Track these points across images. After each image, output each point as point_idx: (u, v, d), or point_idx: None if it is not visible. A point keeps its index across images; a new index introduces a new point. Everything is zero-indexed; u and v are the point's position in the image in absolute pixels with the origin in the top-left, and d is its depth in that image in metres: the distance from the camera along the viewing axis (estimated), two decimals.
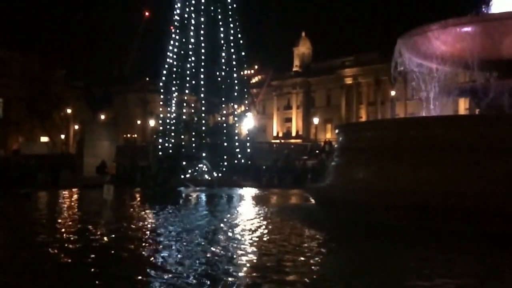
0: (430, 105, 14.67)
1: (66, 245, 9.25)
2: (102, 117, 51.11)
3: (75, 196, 23.30)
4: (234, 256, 7.98)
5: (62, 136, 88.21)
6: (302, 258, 7.77)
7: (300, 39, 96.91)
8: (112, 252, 8.66)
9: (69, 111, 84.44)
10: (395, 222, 10.02)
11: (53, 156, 49.36)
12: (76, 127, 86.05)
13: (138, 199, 22.05)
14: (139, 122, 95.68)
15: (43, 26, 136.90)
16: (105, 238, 10.22)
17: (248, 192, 24.40)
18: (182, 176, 31.72)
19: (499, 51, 12.88)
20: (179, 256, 8.11)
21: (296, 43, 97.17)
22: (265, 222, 12.14)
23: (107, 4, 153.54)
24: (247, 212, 15.25)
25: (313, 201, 15.02)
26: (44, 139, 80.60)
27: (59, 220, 13.44)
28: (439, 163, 10.60)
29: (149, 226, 12.18)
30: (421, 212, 9.88)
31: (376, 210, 10.50)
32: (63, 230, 11.48)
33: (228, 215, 13.87)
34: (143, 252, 8.66)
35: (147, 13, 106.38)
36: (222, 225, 11.72)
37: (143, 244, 9.45)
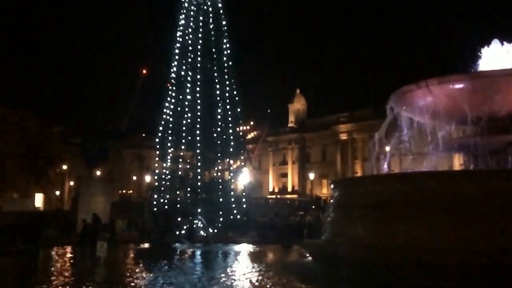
0: (425, 160, 14.74)
1: None
2: (98, 173, 51.06)
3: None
4: None
5: (57, 192, 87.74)
6: None
7: (295, 96, 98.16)
8: None
9: (64, 167, 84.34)
10: (392, 279, 9.89)
11: (36, 213, 48.08)
12: (72, 183, 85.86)
13: (132, 256, 21.74)
14: (134, 177, 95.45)
15: (42, 83, 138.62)
16: None
17: (244, 249, 24.12)
18: (177, 232, 31.50)
19: (490, 107, 13.07)
20: None
21: (291, 99, 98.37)
22: (261, 279, 11.95)
23: (105, 62, 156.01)
24: (243, 270, 15.03)
25: (309, 257, 14.85)
26: (39, 195, 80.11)
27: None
28: (435, 219, 10.55)
29: None
30: (418, 269, 9.77)
31: (373, 267, 10.38)
32: None
33: (223, 274, 13.65)
34: None
35: (144, 71, 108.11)
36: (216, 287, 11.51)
37: None
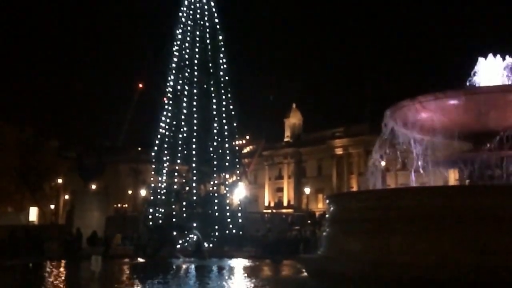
0: (421, 175, 14.76)
1: None
2: (93, 186, 50.86)
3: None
4: None
5: (52, 206, 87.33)
6: None
7: (291, 111, 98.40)
8: None
9: (60, 181, 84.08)
10: None
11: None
12: (67, 197, 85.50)
13: (127, 271, 21.60)
14: (130, 192, 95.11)
15: (37, 96, 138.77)
16: None
17: (240, 263, 24.01)
18: (179, 246, 31.37)
19: (486, 123, 13.13)
20: None
21: (287, 114, 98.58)
22: None
23: (101, 76, 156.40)
24: (238, 285, 14.95)
25: (305, 272, 14.79)
26: (33, 209, 79.73)
27: None
28: (431, 234, 10.54)
29: None
30: (416, 285, 9.74)
31: (369, 282, 10.34)
32: None
33: None
34: None
35: (140, 85, 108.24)
36: None
37: None
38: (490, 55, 14.84)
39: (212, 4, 39.43)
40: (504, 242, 9.89)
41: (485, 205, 10.37)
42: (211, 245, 31.58)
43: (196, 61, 37.73)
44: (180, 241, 31.83)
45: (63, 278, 18.69)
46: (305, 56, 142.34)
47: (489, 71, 14.65)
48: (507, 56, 14.62)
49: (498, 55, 14.75)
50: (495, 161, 12.74)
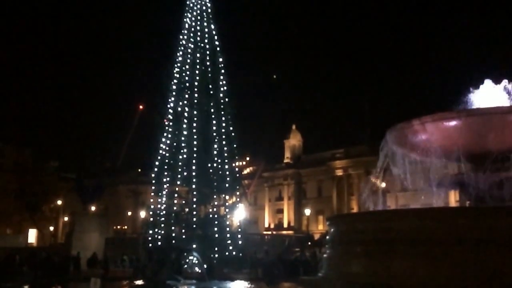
0: (421, 196, 14.75)
1: None
2: (93, 208, 50.79)
3: None
4: None
5: (51, 228, 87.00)
6: None
7: (291, 132, 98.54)
8: None
9: (59, 202, 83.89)
10: None
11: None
12: (66, 218, 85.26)
13: None
14: (129, 213, 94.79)
15: (37, 118, 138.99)
16: None
17: (240, 286, 23.85)
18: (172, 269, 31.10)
19: (485, 144, 13.16)
20: None
21: (287, 135, 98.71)
22: None
23: (102, 97, 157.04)
24: None
25: None
26: (32, 231, 79.45)
27: None
28: (431, 256, 10.50)
29: None
30: None
31: None
32: None
33: None
34: None
35: (141, 107, 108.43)
36: None
37: None
38: (488, 80, 14.96)
39: (213, 27, 39.80)
40: (508, 265, 9.85)
41: (486, 227, 10.35)
42: (210, 267, 31.35)
43: (196, 83, 37.94)
44: (180, 263, 31.60)
45: None
46: (305, 77, 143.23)
47: (487, 93, 14.74)
48: (505, 80, 14.73)
49: (495, 79, 14.88)
50: (496, 182, 12.73)
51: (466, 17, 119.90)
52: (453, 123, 13.43)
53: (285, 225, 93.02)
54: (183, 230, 35.45)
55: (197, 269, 30.74)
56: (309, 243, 46.75)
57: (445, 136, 13.57)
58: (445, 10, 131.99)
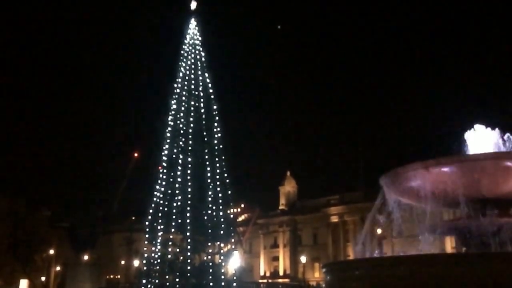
0: (416, 243, 14.68)
1: None
2: (86, 257, 50.12)
3: None
4: None
5: (43, 278, 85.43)
6: None
7: (285, 178, 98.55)
8: None
9: (51, 251, 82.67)
10: None
11: None
12: (58, 268, 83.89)
13: None
14: (123, 262, 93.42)
15: (30, 166, 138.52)
16: None
17: None
18: None
19: (479, 190, 13.21)
20: None
21: (281, 182, 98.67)
22: None
23: (96, 145, 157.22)
24: None
25: None
26: (23, 281, 78.02)
27: None
28: None
29: None
30: None
31: None
32: None
33: None
34: None
35: (136, 154, 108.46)
36: None
37: None
38: (479, 125, 15.16)
39: (207, 75, 40.29)
40: None
41: (483, 274, 10.28)
42: None
43: (190, 130, 38.08)
44: None
45: None
46: (299, 124, 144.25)
47: (479, 139, 14.90)
48: (496, 128, 14.95)
49: (486, 126, 15.08)
50: (491, 228, 12.73)
51: (453, 63, 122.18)
52: (446, 168, 13.52)
53: (281, 273, 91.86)
54: (177, 279, 34.88)
55: None
56: None
57: (438, 182, 13.63)
58: (432, 60, 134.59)
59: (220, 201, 36.83)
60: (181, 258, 35.86)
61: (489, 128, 15.08)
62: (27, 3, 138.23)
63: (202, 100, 39.22)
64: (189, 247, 35.61)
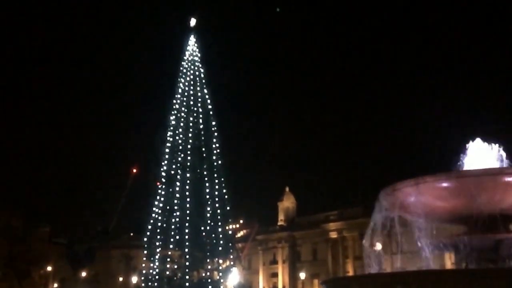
0: (417, 259, 14.64)
1: None
2: (83, 274, 49.77)
3: None
4: None
5: None
6: None
7: (284, 194, 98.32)
8: None
9: (49, 268, 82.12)
10: None
11: None
12: (56, 285, 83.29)
13: None
14: (121, 279, 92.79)
15: (28, 182, 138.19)
16: None
17: None
18: None
19: (477, 206, 13.19)
20: None
21: (280, 197, 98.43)
22: None
23: (94, 161, 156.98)
24: None
25: None
26: None
27: None
28: None
29: None
30: None
31: None
32: None
33: None
34: None
35: (134, 170, 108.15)
36: None
37: None
38: (478, 139, 15.20)
39: (206, 91, 40.46)
40: None
41: None
42: None
43: (189, 146, 38.13)
44: None
45: None
46: (298, 140, 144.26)
47: (477, 155, 14.92)
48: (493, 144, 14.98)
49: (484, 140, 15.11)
50: (491, 244, 12.70)
51: (452, 79, 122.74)
52: (445, 184, 13.52)
53: None
54: None
55: None
56: None
57: (437, 197, 13.63)
58: (429, 74, 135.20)
59: (219, 217, 36.75)
60: (179, 274, 35.68)
61: (486, 143, 15.11)
62: (25, 12, 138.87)
63: (201, 116, 39.31)
64: (187, 263, 35.45)
